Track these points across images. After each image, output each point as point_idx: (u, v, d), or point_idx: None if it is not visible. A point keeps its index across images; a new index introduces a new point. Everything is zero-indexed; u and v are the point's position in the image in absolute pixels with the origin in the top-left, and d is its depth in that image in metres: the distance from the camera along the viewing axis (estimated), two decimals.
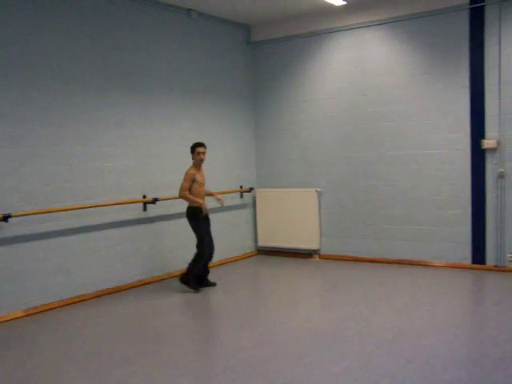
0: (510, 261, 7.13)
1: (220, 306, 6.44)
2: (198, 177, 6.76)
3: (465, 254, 7.43)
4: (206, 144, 7.05)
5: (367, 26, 7.93)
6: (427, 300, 6.04)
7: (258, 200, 9.01)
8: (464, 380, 3.92)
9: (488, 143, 7.14)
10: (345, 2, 7.62)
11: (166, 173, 7.54)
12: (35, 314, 5.98)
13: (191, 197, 6.70)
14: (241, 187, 8.84)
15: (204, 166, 7.08)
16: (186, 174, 6.72)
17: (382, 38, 7.85)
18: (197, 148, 6.77)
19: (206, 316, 5.99)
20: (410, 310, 5.66)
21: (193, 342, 4.98)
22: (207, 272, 7.05)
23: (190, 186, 6.70)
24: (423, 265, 7.69)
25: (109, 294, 6.76)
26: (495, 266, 7.23)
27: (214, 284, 7.05)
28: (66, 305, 6.29)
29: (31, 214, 5.95)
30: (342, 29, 8.14)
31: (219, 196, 7.11)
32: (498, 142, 7.09)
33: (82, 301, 6.46)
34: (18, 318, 5.83)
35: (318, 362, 4.37)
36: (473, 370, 4.10)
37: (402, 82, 7.73)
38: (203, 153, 6.77)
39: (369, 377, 4.04)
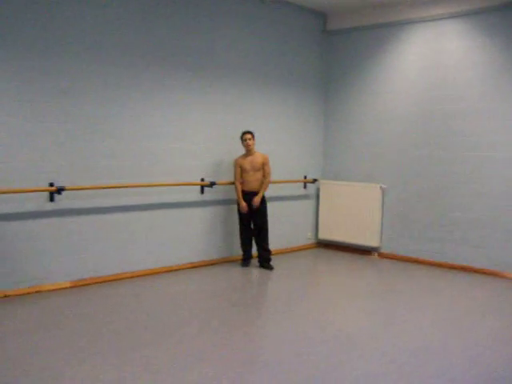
0: None
1: (264, 296, 6.41)
2: (243, 163, 7.21)
3: None
4: (273, 132, 7.94)
5: (447, 17, 7.51)
6: (480, 312, 5.68)
7: (321, 192, 8.85)
8: None
9: None
10: None
11: (225, 158, 7.53)
12: (82, 285, 6.19)
13: (236, 189, 7.34)
14: (305, 177, 8.71)
15: (269, 153, 7.53)
16: (234, 162, 7.33)
17: (462, 30, 7.41)
18: (243, 135, 7.25)
19: (246, 305, 5.95)
20: (457, 322, 5.35)
21: (221, 329, 4.96)
22: (261, 259, 7.43)
23: (240, 173, 7.24)
24: (486, 273, 7.27)
25: (159, 273, 6.89)
26: None
27: (270, 267, 7.38)
28: (115, 280, 6.47)
29: (85, 189, 6.13)
30: (419, 20, 7.76)
31: (257, 201, 7.26)
32: None
33: (131, 277, 6.61)
34: (64, 288, 6.06)
35: (336, 366, 4.22)
36: None
37: (479, 79, 7.28)
38: (249, 139, 7.20)
39: None
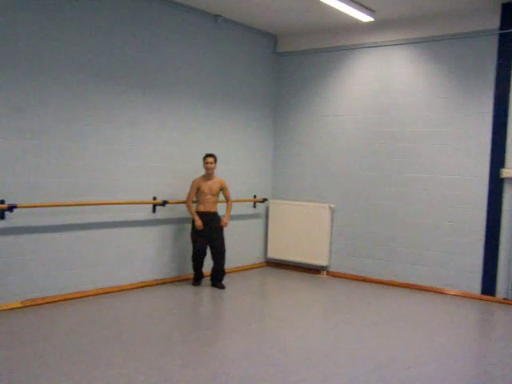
0: None
1: (218, 315, 6.39)
2: (202, 186, 7.22)
3: (475, 283, 7.24)
4: (224, 151, 7.89)
5: (393, 44, 7.82)
6: (428, 328, 5.88)
7: (270, 211, 8.93)
8: None
9: (507, 173, 6.95)
10: (372, 19, 7.53)
11: (177, 176, 7.51)
12: (33, 305, 5.98)
13: (190, 208, 7.30)
14: (254, 197, 8.78)
15: (219, 172, 7.47)
16: (192, 182, 7.26)
17: (408, 57, 7.73)
18: (205, 158, 7.20)
19: (202, 324, 5.92)
20: (409, 337, 5.52)
21: (182, 348, 4.92)
22: (215, 277, 7.40)
23: (196, 195, 7.25)
24: (431, 291, 7.51)
25: (109, 292, 6.74)
26: (504, 299, 7.02)
27: (222, 287, 7.35)
28: (65, 299, 6.28)
29: (37, 207, 5.97)
30: (367, 45, 8.04)
31: (226, 222, 7.42)
32: None
33: (82, 297, 6.45)
34: (15, 308, 5.84)
35: (303, 382, 4.26)
36: None
37: (424, 104, 7.59)
38: (210, 163, 7.18)
39: None
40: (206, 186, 7.21)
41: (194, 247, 7.34)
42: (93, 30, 6.40)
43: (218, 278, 7.36)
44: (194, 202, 7.31)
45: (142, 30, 6.94)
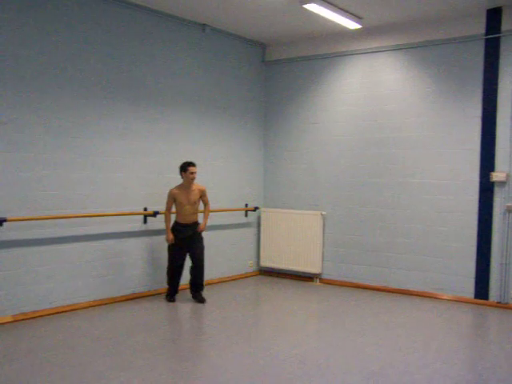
0: None
1: (211, 325, 6.34)
2: (179, 197, 6.86)
3: (468, 288, 7.24)
4: (214, 161, 7.77)
5: (381, 50, 7.85)
6: (422, 333, 5.87)
7: (262, 220, 8.92)
8: None
9: (497, 176, 6.98)
10: (359, 26, 7.56)
11: (168, 187, 7.45)
12: (24, 319, 5.93)
13: (165, 219, 6.94)
14: (246, 206, 8.76)
15: (209, 182, 7.17)
16: (168, 192, 6.91)
17: (396, 63, 7.76)
18: (189, 167, 6.85)
19: (193, 334, 5.88)
20: (403, 343, 5.50)
21: (173, 360, 4.88)
22: (195, 289, 7.14)
23: (174, 205, 6.93)
24: (424, 296, 7.51)
25: (101, 304, 6.69)
26: (498, 303, 7.03)
27: (202, 300, 7.07)
28: (57, 313, 6.24)
29: (26, 220, 5.93)
30: (355, 52, 8.07)
31: (203, 227, 7.11)
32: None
33: (73, 310, 6.40)
34: (5, 322, 5.79)
35: None
36: None
37: (413, 110, 7.62)
38: (196, 172, 6.91)
39: None
40: (183, 197, 6.85)
41: (169, 260, 7.02)
42: (80, 41, 6.40)
43: (197, 291, 7.10)
44: (172, 212, 7.02)
45: (130, 40, 6.94)
